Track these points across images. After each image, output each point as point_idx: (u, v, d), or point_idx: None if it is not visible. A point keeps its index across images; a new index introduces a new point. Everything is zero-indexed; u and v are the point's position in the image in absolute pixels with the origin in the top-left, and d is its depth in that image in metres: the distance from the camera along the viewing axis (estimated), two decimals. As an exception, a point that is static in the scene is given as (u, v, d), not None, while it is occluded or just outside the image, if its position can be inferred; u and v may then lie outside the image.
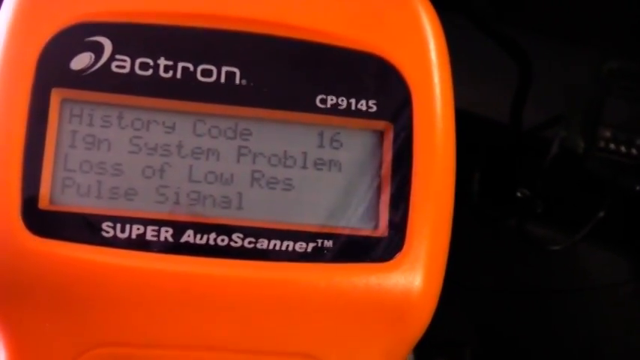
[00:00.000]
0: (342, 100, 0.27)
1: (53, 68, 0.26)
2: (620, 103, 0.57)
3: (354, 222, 0.27)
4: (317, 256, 0.27)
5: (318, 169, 0.27)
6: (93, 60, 0.26)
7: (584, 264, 0.59)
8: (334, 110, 0.27)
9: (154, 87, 0.26)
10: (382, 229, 0.27)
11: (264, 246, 0.26)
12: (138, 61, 0.26)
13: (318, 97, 0.27)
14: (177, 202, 0.26)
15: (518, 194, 0.53)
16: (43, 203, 0.25)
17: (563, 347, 0.57)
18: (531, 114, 0.55)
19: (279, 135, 0.27)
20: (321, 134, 0.27)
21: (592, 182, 0.57)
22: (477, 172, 0.54)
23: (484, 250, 0.59)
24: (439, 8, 0.29)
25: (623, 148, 0.56)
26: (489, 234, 0.59)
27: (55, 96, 0.26)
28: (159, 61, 0.26)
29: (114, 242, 0.25)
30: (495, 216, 0.56)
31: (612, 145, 0.56)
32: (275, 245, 0.26)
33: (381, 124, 0.27)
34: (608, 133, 0.56)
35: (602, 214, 0.54)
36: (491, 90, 0.56)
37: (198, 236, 0.26)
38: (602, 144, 0.56)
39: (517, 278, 0.58)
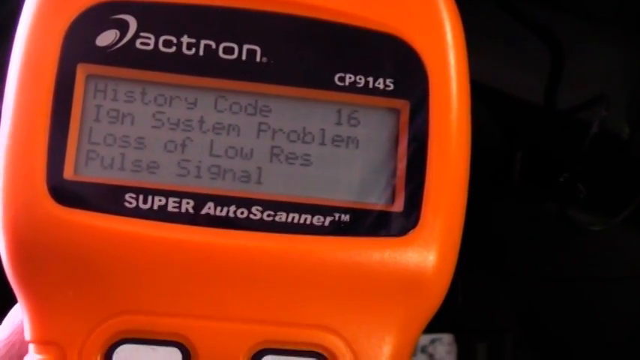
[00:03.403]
0: (360, 79, 0.28)
1: (79, 44, 0.27)
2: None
3: (371, 197, 0.28)
4: (334, 229, 0.27)
5: (336, 146, 0.28)
6: (118, 37, 0.27)
7: (627, 251, 0.58)
8: (352, 88, 0.28)
9: (177, 64, 0.27)
10: (398, 205, 0.27)
11: (283, 219, 0.27)
12: (162, 38, 0.27)
13: (337, 75, 0.28)
14: (198, 176, 0.27)
15: (561, 179, 0.53)
16: (68, 174, 0.26)
17: (604, 333, 0.57)
18: (573, 97, 0.54)
19: (298, 112, 0.28)
20: (339, 112, 0.28)
21: (635, 168, 0.56)
22: (519, 155, 0.54)
23: (526, 235, 0.59)
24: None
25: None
26: (531, 218, 0.59)
27: (81, 71, 0.27)
28: (182, 39, 0.27)
29: (136, 213, 0.26)
30: (537, 199, 0.56)
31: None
32: (293, 218, 0.27)
33: (397, 103, 0.28)
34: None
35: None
36: (536, 72, 0.56)
37: (219, 208, 0.27)
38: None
39: (559, 264, 0.58)
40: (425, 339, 0.53)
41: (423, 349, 0.53)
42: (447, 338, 0.53)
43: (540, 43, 0.50)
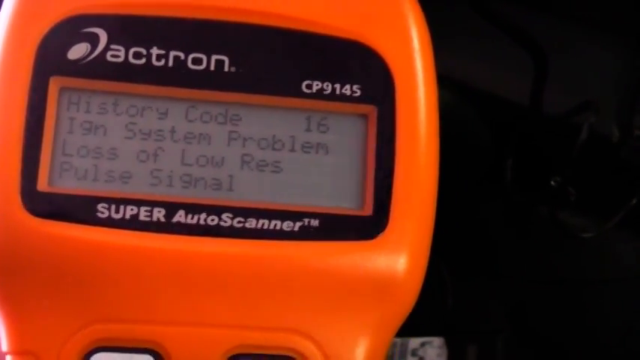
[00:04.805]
0: (328, 85, 0.28)
1: (51, 58, 0.27)
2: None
3: (340, 201, 0.28)
4: (304, 234, 0.27)
5: (306, 152, 0.28)
6: (89, 50, 0.28)
7: (619, 254, 0.58)
8: (320, 95, 0.28)
9: (147, 74, 0.28)
10: (367, 209, 0.28)
11: (253, 225, 0.27)
12: (132, 50, 0.28)
13: (304, 83, 0.28)
14: (170, 185, 0.27)
15: (552, 182, 0.53)
16: (42, 186, 0.27)
17: (595, 336, 0.57)
18: (565, 100, 0.55)
19: (267, 120, 0.28)
20: (308, 119, 0.28)
21: (625, 171, 0.56)
22: (510, 159, 0.54)
23: (517, 237, 0.59)
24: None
25: (659, 138, 0.55)
26: (522, 221, 0.59)
27: (54, 84, 0.27)
28: (151, 50, 0.28)
29: (109, 222, 0.27)
30: (528, 203, 0.56)
31: (648, 135, 0.55)
32: (263, 224, 0.27)
33: (365, 108, 0.28)
34: (644, 123, 0.55)
35: (634, 201, 0.54)
36: (528, 74, 0.56)
37: (189, 216, 0.27)
38: (637, 133, 0.55)
39: (550, 267, 0.58)
40: (415, 342, 0.53)
41: (414, 353, 0.53)
42: (437, 341, 0.53)
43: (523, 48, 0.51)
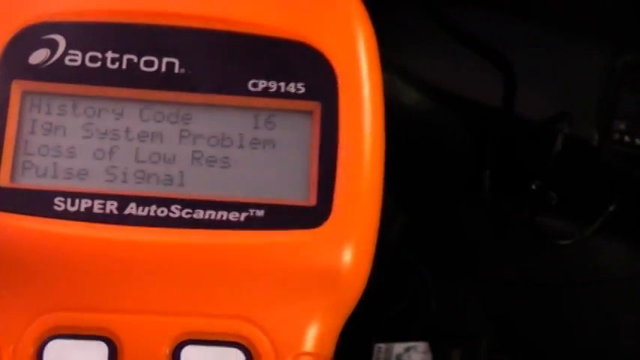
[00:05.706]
0: (273, 84, 0.30)
1: (14, 63, 0.29)
2: (635, 96, 0.57)
3: (285, 193, 0.30)
4: (249, 223, 0.29)
5: (254, 148, 0.30)
6: (49, 55, 0.29)
7: (599, 257, 0.59)
8: (265, 93, 0.30)
9: (103, 77, 0.30)
10: (311, 199, 0.29)
11: (201, 216, 0.29)
12: (88, 54, 0.30)
13: (250, 82, 0.30)
14: (124, 181, 0.29)
15: (533, 187, 0.54)
16: (4, 182, 0.29)
17: (577, 339, 0.57)
18: (546, 105, 0.55)
19: (217, 118, 0.30)
20: (256, 116, 0.30)
21: (605, 174, 0.57)
22: (488, 166, 0.54)
23: (499, 240, 0.59)
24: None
25: (637, 141, 0.56)
26: (503, 226, 0.60)
27: (16, 87, 0.29)
28: (106, 54, 0.30)
29: (64, 214, 0.28)
30: (507, 208, 0.57)
31: (627, 138, 0.56)
32: (210, 215, 0.29)
33: (309, 105, 0.30)
34: (622, 126, 0.56)
35: (612, 207, 0.54)
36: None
37: (140, 208, 0.29)
38: (616, 136, 0.56)
39: (532, 270, 0.59)
40: (400, 347, 0.54)
41: (398, 358, 0.54)
42: (421, 346, 0.54)
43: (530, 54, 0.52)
